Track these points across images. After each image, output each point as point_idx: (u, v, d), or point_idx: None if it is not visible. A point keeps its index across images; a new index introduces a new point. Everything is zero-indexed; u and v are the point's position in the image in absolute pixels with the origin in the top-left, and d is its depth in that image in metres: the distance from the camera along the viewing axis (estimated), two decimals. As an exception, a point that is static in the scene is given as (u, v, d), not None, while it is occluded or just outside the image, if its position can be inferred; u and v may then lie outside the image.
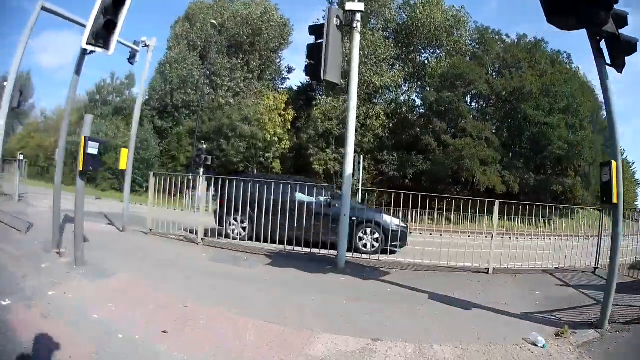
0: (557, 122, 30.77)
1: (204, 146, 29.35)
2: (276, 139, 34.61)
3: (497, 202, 9.22)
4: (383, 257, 9.46)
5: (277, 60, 42.85)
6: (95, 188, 40.06)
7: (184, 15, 43.87)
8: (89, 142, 6.64)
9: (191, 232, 10.57)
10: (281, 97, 36.70)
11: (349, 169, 8.74)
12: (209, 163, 27.67)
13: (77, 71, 7.10)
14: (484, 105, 35.93)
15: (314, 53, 8.20)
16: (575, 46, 58.62)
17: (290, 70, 44.25)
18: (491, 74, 35.35)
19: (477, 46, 36.70)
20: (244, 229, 10.47)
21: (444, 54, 36.32)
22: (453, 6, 36.35)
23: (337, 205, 9.52)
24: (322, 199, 10.11)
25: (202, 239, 9.83)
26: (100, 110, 46.39)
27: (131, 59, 18.26)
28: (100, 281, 6.16)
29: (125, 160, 11.61)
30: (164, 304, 5.49)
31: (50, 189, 30.37)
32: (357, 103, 30.77)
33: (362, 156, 26.81)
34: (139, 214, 11.96)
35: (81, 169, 6.76)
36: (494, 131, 33.05)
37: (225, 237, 10.31)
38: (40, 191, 28.34)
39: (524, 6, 59.99)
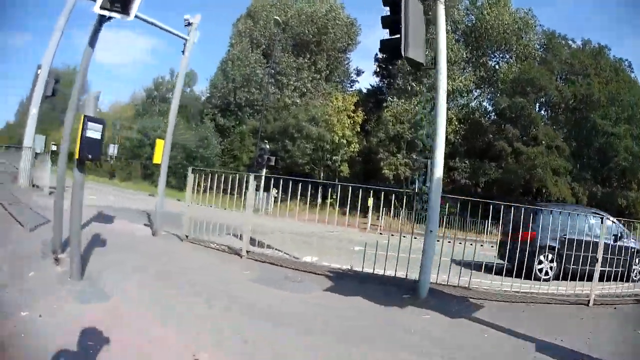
0: (624, 132, 30.68)
1: (268, 146, 29.48)
2: (344, 141, 34.41)
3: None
4: (464, 279, 7.67)
5: (345, 62, 43.12)
6: (152, 184, 41.54)
7: (246, 13, 44.89)
8: (89, 124, 5.44)
9: (235, 235, 9.58)
10: (350, 98, 36.67)
11: (438, 171, 7.28)
12: (273, 163, 27.76)
13: (91, 43, 6.06)
14: (554, 112, 35.99)
15: (391, 25, 6.94)
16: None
17: (359, 72, 44.77)
18: (559, 80, 35.37)
19: (545, 51, 36.63)
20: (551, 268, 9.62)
21: (513, 58, 36.48)
22: (521, 8, 36.47)
23: (624, 239, 8.82)
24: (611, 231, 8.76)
25: (247, 251, 8.43)
26: (158, 107, 48.52)
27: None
28: (91, 305, 4.91)
29: (160, 153, 10.60)
30: (165, 351, 4.09)
31: (100, 184, 31.47)
32: (426, 106, 31.50)
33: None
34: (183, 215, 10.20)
35: (78, 157, 5.49)
36: (562, 140, 32.96)
37: (534, 279, 8.69)
38: (88, 185, 29.53)
39: (585, 11, 59.39)
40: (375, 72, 43.23)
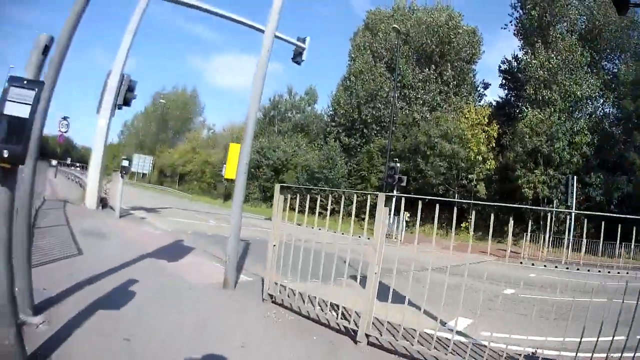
0: None
1: (398, 165, 29.07)
2: (480, 158, 34.14)
3: None
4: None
5: (471, 74, 44.16)
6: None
7: (363, 26, 48.14)
8: (12, 90, 3.25)
9: (353, 277, 7.10)
10: (484, 110, 36.78)
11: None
12: (404, 184, 27.87)
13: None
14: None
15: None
16: None
17: (486, 85, 45.83)
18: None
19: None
20: None
21: (629, 58, 35.36)
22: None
23: None
24: None
25: (366, 334, 5.47)
26: (278, 126, 52.85)
27: (297, 57, 20.82)
28: None
29: (234, 167, 9.00)
30: None
31: (214, 206, 37.35)
32: (561, 116, 32.91)
33: (574, 177, 28.41)
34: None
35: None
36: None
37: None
38: (202, 208, 32.85)
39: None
40: (501, 85, 43.11)
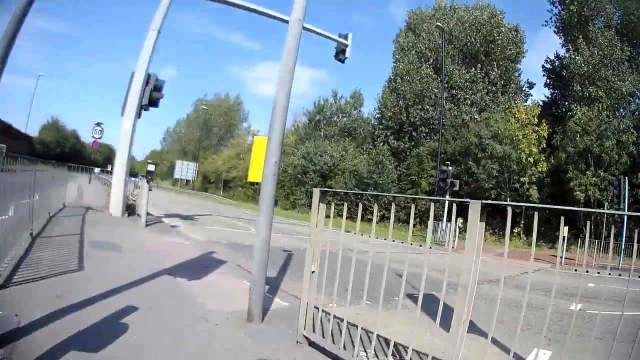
0: None
1: (450, 168, 29.29)
2: (531, 159, 34.36)
3: None
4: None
5: (516, 73, 44.96)
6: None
7: (405, 26, 49.59)
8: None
9: (409, 296, 6.86)
10: (534, 109, 36.93)
11: None
12: (456, 188, 28.25)
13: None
14: None
15: None
16: None
17: (531, 85, 46.39)
18: None
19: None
20: None
21: None
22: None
23: None
24: None
25: None
26: (324, 130, 54.65)
27: (339, 54, 21.29)
28: None
29: (259, 168, 7.47)
30: None
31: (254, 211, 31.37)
32: (608, 114, 34.58)
33: (626, 178, 29.09)
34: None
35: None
36: None
37: None
38: (244, 215, 32.57)
39: None
40: (546, 84, 43.52)
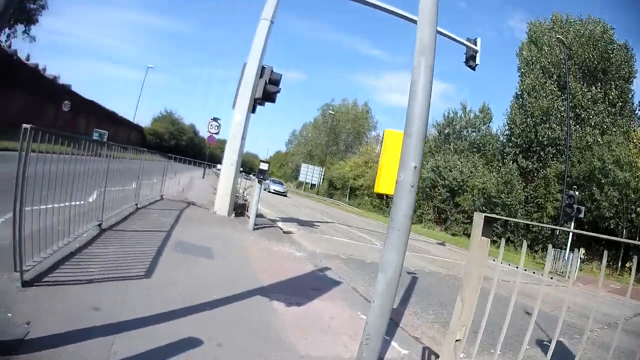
0: None
1: (576, 193, 28.47)
2: None
3: None
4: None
5: (629, 94, 43.33)
6: (445, 231, 45.85)
7: (527, 39, 49.51)
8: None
9: None
10: None
11: None
12: (582, 215, 27.49)
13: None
14: None
15: None
16: None
17: None
18: None
19: None
20: None
21: None
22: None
23: None
24: None
25: None
26: (453, 144, 55.35)
27: (469, 61, 21.24)
28: None
29: (391, 177, 5.84)
30: None
31: (385, 224, 27.72)
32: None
33: None
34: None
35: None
36: None
37: None
38: (369, 226, 31.86)
39: None
40: None
